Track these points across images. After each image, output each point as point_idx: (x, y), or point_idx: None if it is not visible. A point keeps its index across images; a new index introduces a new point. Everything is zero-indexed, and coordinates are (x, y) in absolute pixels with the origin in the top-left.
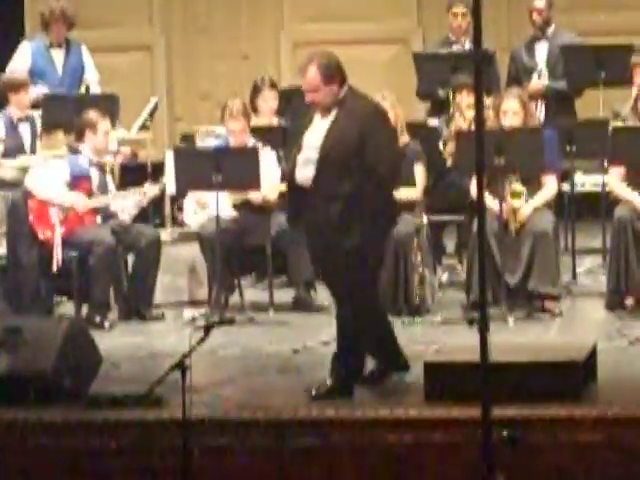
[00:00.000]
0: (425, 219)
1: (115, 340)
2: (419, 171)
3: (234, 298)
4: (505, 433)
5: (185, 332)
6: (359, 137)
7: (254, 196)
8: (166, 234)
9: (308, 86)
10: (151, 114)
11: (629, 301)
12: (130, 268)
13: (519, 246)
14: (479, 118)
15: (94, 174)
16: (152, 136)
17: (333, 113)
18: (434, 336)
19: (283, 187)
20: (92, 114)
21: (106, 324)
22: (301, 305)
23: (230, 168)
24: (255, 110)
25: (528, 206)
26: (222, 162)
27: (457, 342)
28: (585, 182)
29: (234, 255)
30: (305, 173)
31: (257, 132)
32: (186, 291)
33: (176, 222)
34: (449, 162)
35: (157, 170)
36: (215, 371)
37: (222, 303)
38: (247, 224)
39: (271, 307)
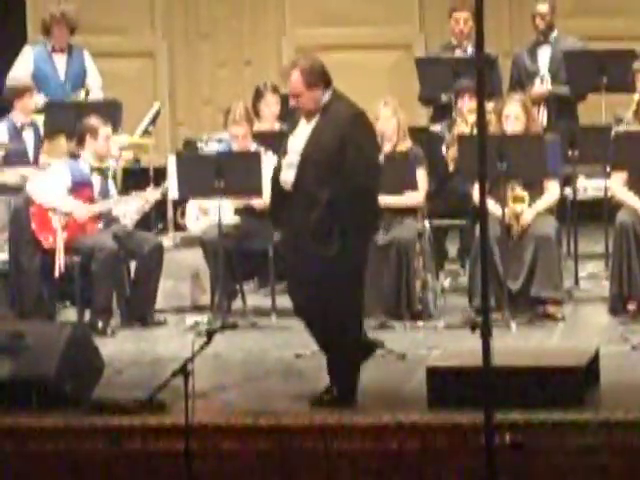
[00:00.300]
0: (427, 224)
1: (118, 345)
2: (421, 176)
3: (236, 303)
4: (508, 438)
5: (188, 337)
6: (339, 142)
7: (256, 201)
8: (168, 239)
9: (291, 90)
10: (153, 119)
11: (632, 306)
12: (132, 274)
13: (521, 251)
14: (481, 123)
15: (95, 179)
16: (154, 141)
17: (316, 118)
18: (436, 341)
19: None
20: (93, 120)
21: (108, 330)
22: None
23: (232, 173)
24: (257, 115)
25: (530, 211)
26: (224, 167)
27: (460, 347)
28: (587, 187)
29: (236, 260)
30: (287, 177)
31: (259, 137)
32: (188, 296)
33: (178, 227)
34: (451, 167)
35: (159, 175)
36: (218, 376)
37: (224, 308)
38: (249, 229)
39: (273, 312)
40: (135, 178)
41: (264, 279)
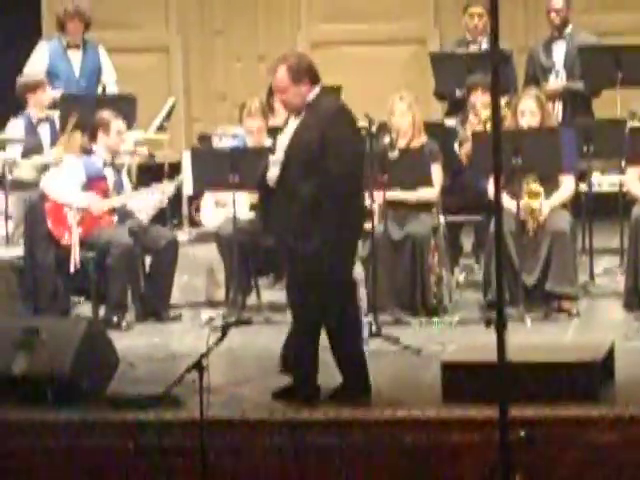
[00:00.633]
0: (442, 219)
1: (132, 341)
2: (436, 171)
3: (251, 299)
4: (522, 433)
5: (202, 333)
6: (320, 139)
7: None
8: (183, 235)
9: (277, 86)
10: (168, 115)
11: None
12: (147, 269)
13: (536, 246)
14: (496, 118)
15: (109, 174)
16: (169, 136)
17: (302, 114)
18: (451, 336)
19: None
20: (105, 114)
21: (123, 325)
22: None
23: (247, 168)
24: (272, 110)
25: (545, 206)
26: (239, 162)
27: (474, 342)
28: (602, 182)
29: (251, 256)
30: (272, 174)
31: (273, 132)
32: (203, 292)
33: (193, 223)
34: (465, 162)
35: (174, 170)
36: (232, 371)
37: (239, 304)
38: None
39: (288, 308)
40: (150, 173)
41: (279, 274)
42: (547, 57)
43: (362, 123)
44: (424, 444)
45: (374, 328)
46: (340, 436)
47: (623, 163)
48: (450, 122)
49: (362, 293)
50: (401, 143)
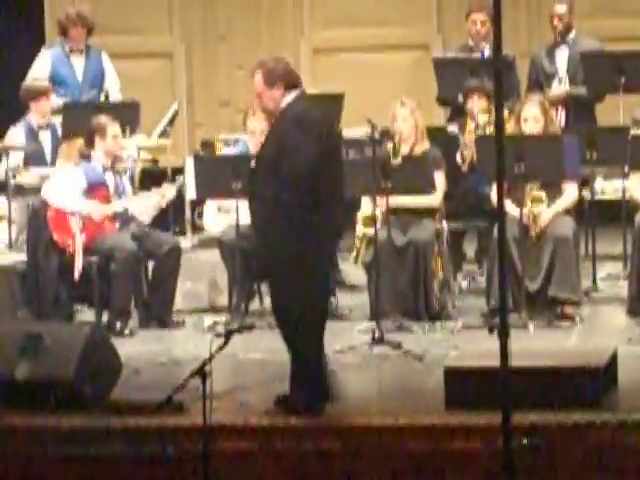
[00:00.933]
0: (445, 225)
1: (136, 347)
2: (439, 177)
3: (254, 304)
4: (525, 440)
5: (205, 338)
6: (279, 143)
7: None
8: (186, 240)
9: (255, 90)
10: (171, 121)
11: None
12: (150, 275)
13: (539, 252)
14: (499, 124)
15: (109, 178)
16: (172, 142)
17: (274, 120)
18: (454, 342)
19: None
20: (101, 119)
21: (126, 330)
22: None
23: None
24: None
25: (548, 212)
26: (241, 169)
27: (477, 348)
28: (605, 188)
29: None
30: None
31: None
32: (206, 297)
33: (196, 228)
34: (464, 168)
35: (177, 176)
36: (235, 377)
37: (242, 309)
38: None
39: None
40: (153, 179)
41: None
42: (550, 63)
43: (365, 129)
44: (427, 451)
45: (377, 334)
46: (343, 442)
47: (626, 169)
48: (453, 128)
49: (365, 299)
50: (404, 149)
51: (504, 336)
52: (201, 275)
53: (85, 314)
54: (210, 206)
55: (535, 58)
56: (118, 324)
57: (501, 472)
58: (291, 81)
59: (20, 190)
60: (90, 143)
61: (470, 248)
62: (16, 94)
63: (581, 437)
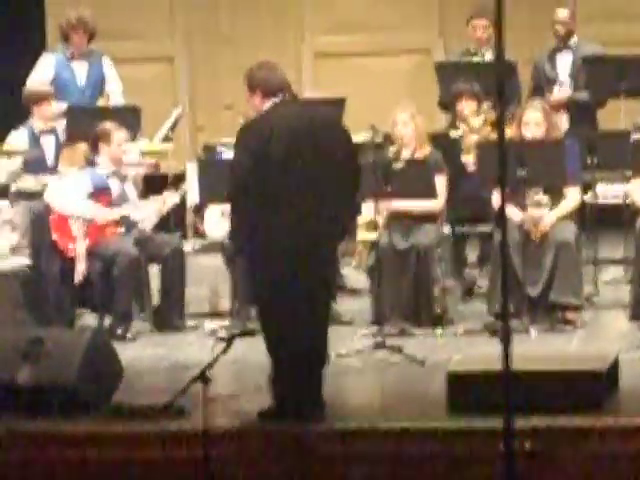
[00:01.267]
0: (447, 229)
1: (137, 351)
2: (440, 182)
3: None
4: (527, 444)
5: (207, 343)
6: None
7: None
8: (188, 245)
9: None
10: (174, 125)
11: None
12: (152, 279)
13: (541, 257)
14: (501, 130)
15: (113, 185)
16: (174, 147)
17: None
18: (456, 347)
19: None
20: (107, 125)
21: (128, 335)
22: None
23: None
24: None
25: (550, 216)
26: None
27: (479, 353)
28: (607, 193)
29: None
30: None
31: None
32: (208, 302)
33: (198, 233)
34: (470, 168)
35: (179, 181)
36: (237, 382)
37: (244, 314)
38: None
39: None
40: (155, 184)
41: None
42: (552, 68)
43: (366, 134)
44: (429, 454)
45: (379, 338)
46: (345, 446)
47: (628, 174)
48: (454, 133)
49: (367, 303)
50: (405, 154)
51: (506, 341)
52: (203, 280)
53: (87, 318)
54: (213, 211)
55: (537, 63)
56: (120, 329)
57: (503, 476)
58: (270, 88)
59: (21, 194)
60: (95, 149)
61: (472, 253)
62: (18, 98)
63: (582, 441)
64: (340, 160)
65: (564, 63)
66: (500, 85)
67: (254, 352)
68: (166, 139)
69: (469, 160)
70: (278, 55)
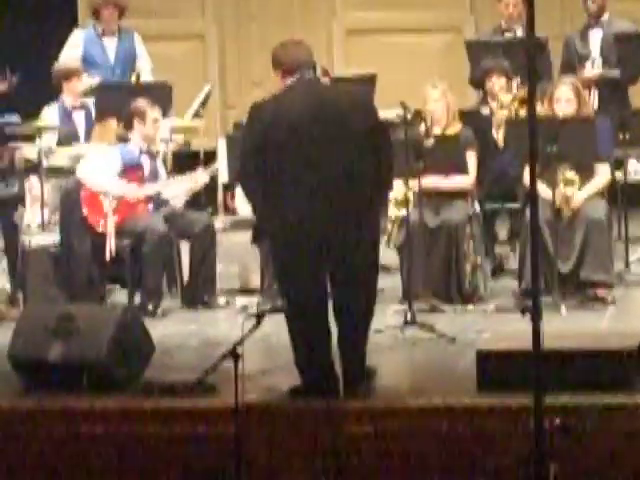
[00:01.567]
0: (477, 206)
1: (168, 328)
2: (472, 159)
3: None
4: (558, 421)
5: (237, 320)
6: None
7: None
8: (219, 222)
9: None
10: (204, 102)
11: None
12: (183, 256)
13: (572, 234)
14: (531, 106)
15: (145, 162)
16: (205, 124)
17: None
18: (486, 324)
19: None
20: (141, 102)
21: (159, 312)
22: None
23: None
24: None
25: (581, 194)
26: None
27: (509, 330)
28: (638, 170)
29: None
30: None
31: None
32: (238, 279)
33: (228, 210)
34: (500, 144)
35: (210, 158)
36: (267, 359)
37: (274, 291)
38: None
39: None
40: (186, 161)
41: None
42: (583, 45)
43: (397, 111)
44: (459, 432)
45: (409, 316)
46: (375, 424)
47: None
48: (486, 110)
49: (397, 281)
50: (436, 131)
51: (536, 318)
52: (233, 257)
53: (117, 295)
54: None
55: (568, 40)
56: (150, 305)
57: (532, 453)
58: (290, 66)
59: (53, 171)
60: (129, 126)
61: (502, 230)
62: (49, 75)
63: (613, 419)
64: (366, 138)
65: (596, 40)
66: (531, 61)
67: (284, 328)
68: (197, 115)
69: (499, 137)
70: (308, 33)
